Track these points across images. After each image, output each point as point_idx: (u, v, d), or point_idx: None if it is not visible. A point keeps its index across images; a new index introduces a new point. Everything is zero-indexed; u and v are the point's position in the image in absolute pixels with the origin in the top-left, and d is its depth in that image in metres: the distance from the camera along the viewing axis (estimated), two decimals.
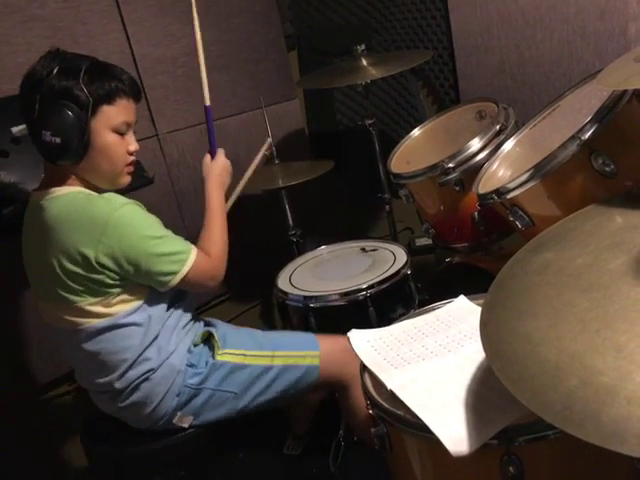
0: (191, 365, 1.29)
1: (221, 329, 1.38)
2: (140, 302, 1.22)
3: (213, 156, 1.43)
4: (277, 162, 2.03)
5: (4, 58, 1.67)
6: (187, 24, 2.09)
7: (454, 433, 0.81)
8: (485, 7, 1.90)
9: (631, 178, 1.05)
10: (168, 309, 1.27)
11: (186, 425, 1.28)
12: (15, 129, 1.70)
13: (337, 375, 1.37)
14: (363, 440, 1.43)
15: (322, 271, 1.72)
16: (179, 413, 1.27)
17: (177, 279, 1.20)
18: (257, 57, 2.28)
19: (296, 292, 1.61)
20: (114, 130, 1.18)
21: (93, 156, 1.17)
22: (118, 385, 1.23)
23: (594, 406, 0.58)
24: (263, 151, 1.68)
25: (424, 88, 2.31)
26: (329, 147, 2.55)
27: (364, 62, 1.89)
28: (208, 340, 1.34)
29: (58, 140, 1.11)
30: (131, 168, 1.25)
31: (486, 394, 0.87)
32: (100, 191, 1.21)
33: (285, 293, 1.62)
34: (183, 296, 1.32)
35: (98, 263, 1.13)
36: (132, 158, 1.25)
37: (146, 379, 1.23)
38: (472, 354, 0.99)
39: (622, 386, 0.59)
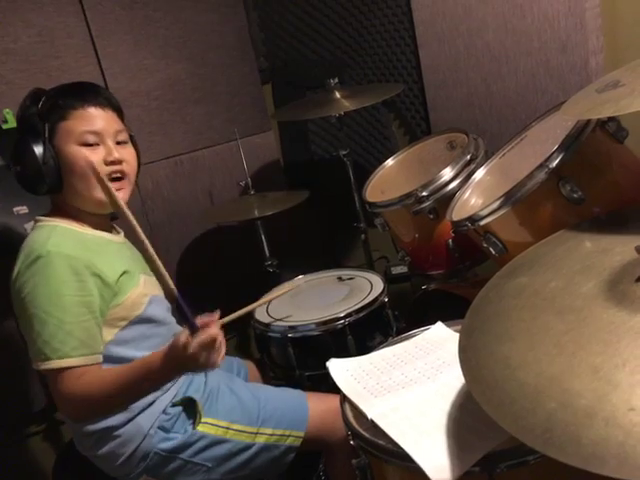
0: (164, 429, 1.19)
1: (210, 387, 1.27)
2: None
3: (192, 330, 1.00)
4: (252, 193, 2.04)
5: None
6: (161, 58, 2.12)
7: (436, 461, 0.80)
8: (452, 43, 1.97)
9: (598, 204, 1.08)
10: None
11: None
12: None
13: (324, 439, 1.31)
14: None
15: (299, 301, 1.71)
16: (145, 476, 1.19)
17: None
18: (232, 90, 2.31)
19: (274, 322, 1.59)
20: (78, 143, 1.13)
21: (69, 178, 1.14)
22: (82, 433, 1.16)
23: (573, 428, 0.59)
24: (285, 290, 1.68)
25: (396, 120, 2.37)
26: (304, 177, 2.57)
27: (337, 95, 1.93)
28: (189, 404, 1.24)
29: (24, 172, 1.12)
30: (116, 184, 1.13)
31: (467, 420, 0.87)
32: (96, 219, 1.20)
33: (263, 324, 1.61)
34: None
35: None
36: (109, 169, 1.14)
37: (108, 436, 1.14)
38: (451, 380, 0.99)
39: (600, 407, 0.59)
